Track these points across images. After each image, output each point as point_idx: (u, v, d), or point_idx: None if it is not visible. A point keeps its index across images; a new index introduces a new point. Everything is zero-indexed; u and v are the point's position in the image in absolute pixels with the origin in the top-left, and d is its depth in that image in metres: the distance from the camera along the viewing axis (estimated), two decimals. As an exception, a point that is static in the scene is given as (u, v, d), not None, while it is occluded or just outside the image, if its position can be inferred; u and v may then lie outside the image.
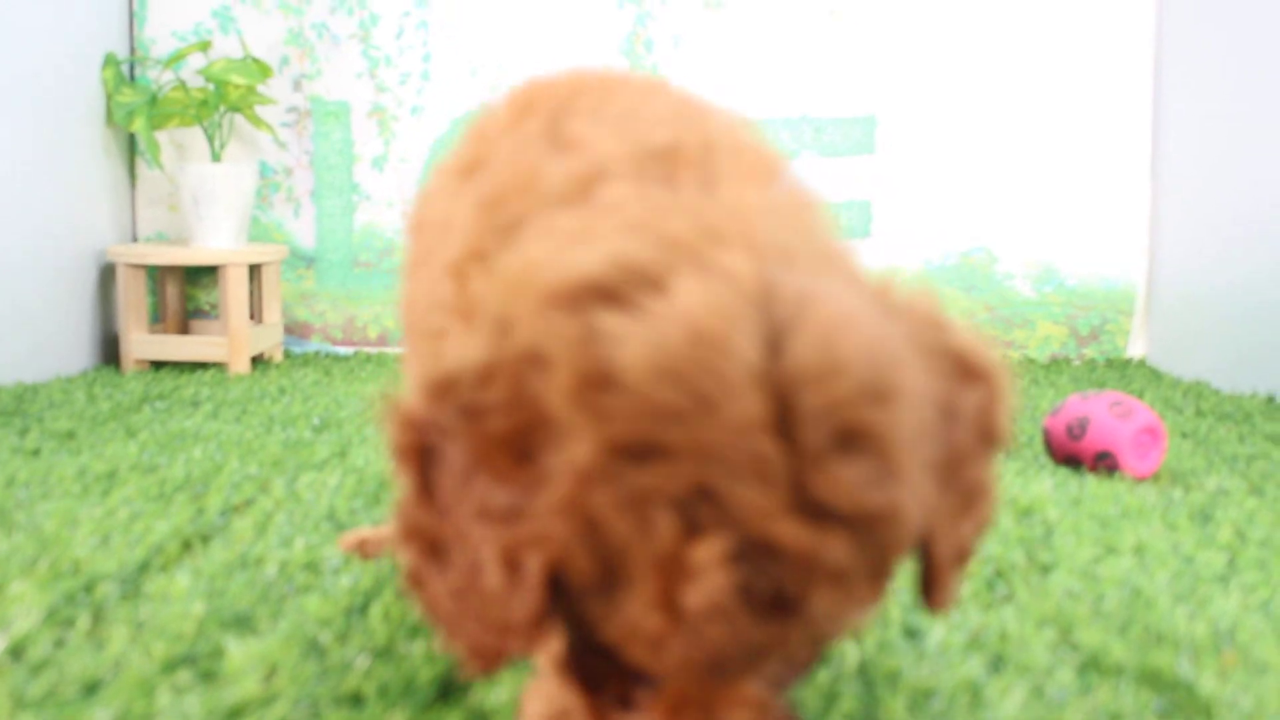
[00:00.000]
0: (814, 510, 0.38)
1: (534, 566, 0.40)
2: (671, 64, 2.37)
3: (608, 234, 0.46)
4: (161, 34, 2.34)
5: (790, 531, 0.38)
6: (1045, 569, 0.94)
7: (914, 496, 0.40)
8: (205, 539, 0.99)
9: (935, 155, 2.38)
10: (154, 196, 2.37)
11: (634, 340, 0.38)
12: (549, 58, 2.35)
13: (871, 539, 0.39)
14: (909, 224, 2.40)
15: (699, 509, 0.37)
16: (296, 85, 2.37)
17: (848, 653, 0.74)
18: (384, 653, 0.73)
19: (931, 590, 0.47)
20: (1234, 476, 1.30)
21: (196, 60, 2.26)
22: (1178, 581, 0.91)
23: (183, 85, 2.15)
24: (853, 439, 0.38)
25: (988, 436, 0.47)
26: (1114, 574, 0.92)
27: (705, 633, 0.39)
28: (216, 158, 2.18)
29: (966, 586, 0.89)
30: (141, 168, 2.36)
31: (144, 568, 0.90)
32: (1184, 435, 1.56)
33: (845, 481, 0.38)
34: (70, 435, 1.45)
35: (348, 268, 2.40)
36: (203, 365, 2.12)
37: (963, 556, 0.47)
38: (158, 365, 2.12)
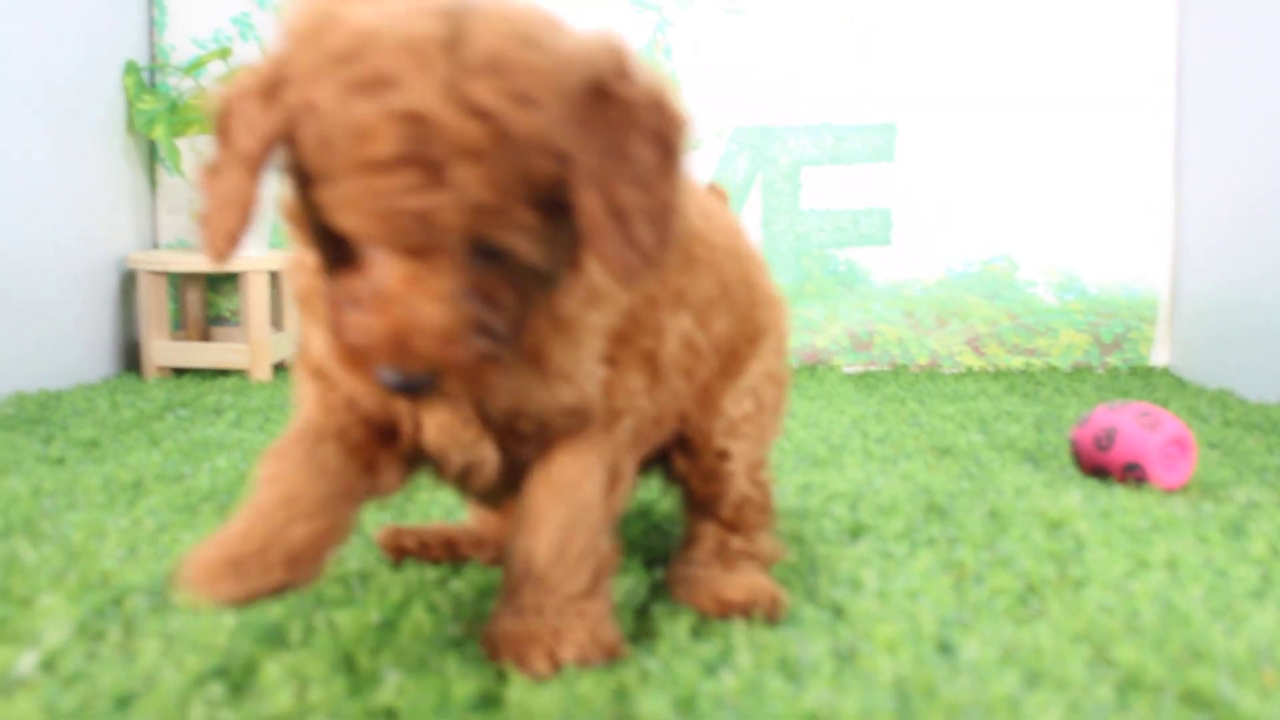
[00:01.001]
0: (465, 105, 0.53)
1: (259, 152, 0.57)
2: (691, 70, 2.37)
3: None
4: (181, 41, 2.35)
5: (444, 111, 0.53)
6: (1077, 584, 0.93)
7: (553, 126, 0.56)
8: (232, 549, 0.99)
9: (956, 162, 2.37)
10: (175, 203, 2.38)
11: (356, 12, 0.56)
12: (568, 65, 2.35)
13: (509, 143, 0.54)
14: (930, 231, 2.39)
15: (383, 92, 0.53)
16: (316, 93, 2.37)
17: (882, 667, 0.74)
18: (417, 667, 0.73)
19: (591, 241, 0.59)
20: (1264, 488, 1.29)
21: (217, 67, 2.27)
22: (1212, 597, 0.90)
23: (203, 92, 2.16)
24: (502, 66, 0.55)
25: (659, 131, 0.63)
26: (1147, 589, 0.91)
27: (380, 185, 0.54)
28: (237, 165, 2.19)
29: (997, 600, 0.88)
30: (162, 175, 2.37)
31: (173, 579, 0.90)
32: (1211, 445, 1.55)
33: (491, 89, 0.54)
34: (94, 443, 1.46)
35: (367, 274, 2.40)
36: (224, 372, 2.12)
37: (619, 215, 0.58)
38: (179, 372, 2.13)
